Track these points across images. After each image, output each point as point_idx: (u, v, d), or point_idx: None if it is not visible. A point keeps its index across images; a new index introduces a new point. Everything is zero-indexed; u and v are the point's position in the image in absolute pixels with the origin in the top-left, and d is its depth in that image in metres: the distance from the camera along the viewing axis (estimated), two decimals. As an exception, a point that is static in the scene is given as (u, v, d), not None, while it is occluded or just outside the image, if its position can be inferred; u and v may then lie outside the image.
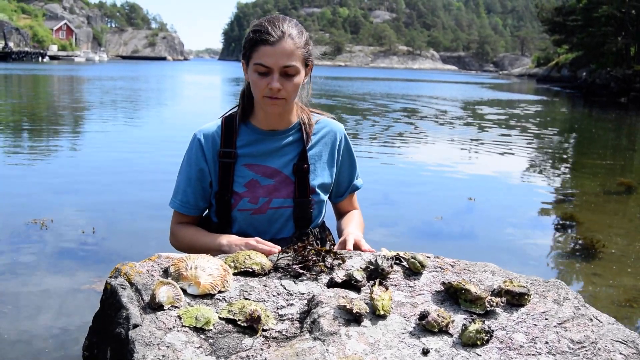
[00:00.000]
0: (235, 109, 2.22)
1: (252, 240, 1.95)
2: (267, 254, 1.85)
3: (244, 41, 2.05)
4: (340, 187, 2.32)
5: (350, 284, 1.66)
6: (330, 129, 2.24)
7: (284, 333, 1.46)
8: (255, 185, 2.13)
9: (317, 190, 2.19)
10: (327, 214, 2.34)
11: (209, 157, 2.14)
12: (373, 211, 5.92)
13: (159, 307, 1.49)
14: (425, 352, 1.39)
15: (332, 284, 1.67)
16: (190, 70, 66.63)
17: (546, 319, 1.55)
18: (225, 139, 2.14)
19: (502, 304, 1.57)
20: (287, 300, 1.60)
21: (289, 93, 2.02)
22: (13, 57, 67.85)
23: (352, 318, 1.49)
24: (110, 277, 1.62)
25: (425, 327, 1.47)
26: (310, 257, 1.76)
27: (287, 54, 1.97)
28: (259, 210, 2.13)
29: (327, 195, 2.28)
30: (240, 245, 1.95)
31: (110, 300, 1.55)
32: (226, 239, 2.02)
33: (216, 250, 1.99)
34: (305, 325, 1.47)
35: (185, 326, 1.44)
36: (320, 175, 2.20)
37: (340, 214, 2.39)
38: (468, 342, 1.42)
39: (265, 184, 2.14)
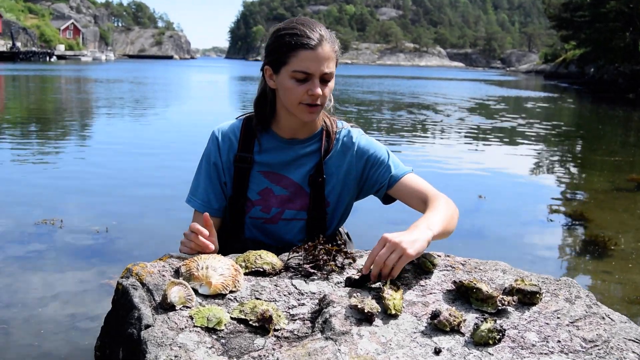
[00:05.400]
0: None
1: (190, 235, 1.81)
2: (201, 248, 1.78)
3: (275, 45, 1.94)
4: (381, 187, 2.11)
5: (368, 278, 1.65)
6: (349, 139, 2.12)
7: (295, 333, 1.46)
8: (269, 194, 2.08)
9: (333, 203, 2.12)
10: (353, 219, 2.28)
11: (224, 158, 2.09)
12: (383, 209, 5.91)
13: (171, 307, 1.49)
14: (437, 352, 1.38)
15: (350, 283, 1.66)
16: (197, 69, 66.68)
17: (558, 317, 1.55)
18: (243, 143, 2.08)
19: (513, 303, 1.56)
20: (298, 299, 1.60)
21: (325, 98, 1.96)
22: (20, 57, 68.05)
23: (363, 317, 1.49)
24: (122, 278, 1.62)
25: (437, 326, 1.46)
26: (320, 257, 1.76)
27: (327, 59, 1.90)
28: (271, 220, 2.09)
29: (345, 208, 2.18)
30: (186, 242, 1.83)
31: (122, 300, 1.56)
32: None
33: None
34: (316, 325, 1.47)
35: (197, 326, 1.44)
36: (338, 188, 2.11)
37: (417, 207, 2.05)
38: (480, 342, 1.41)
39: (279, 193, 2.08)
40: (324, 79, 1.93)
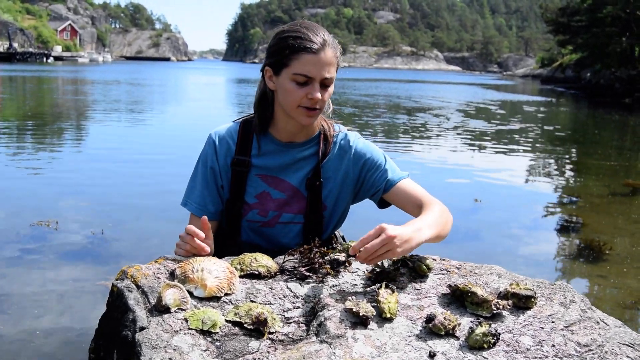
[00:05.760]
0: (252, 115, 2.13)
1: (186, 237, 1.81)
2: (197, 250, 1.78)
3: (277, 47, 1.93)
4: (377, 191, 2.10)
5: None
6: (346, 142, 2.12)
7: (290, 336, 1.46)
8: (267, 198, 2.07)
9: (330, 206, 2.11)
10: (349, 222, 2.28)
11: (221, 161, 2.08)
12: (379, 213, 5.91)
13: (166, 309, 1.49)
14: (432, 355, 1.38)
15: (337, 264, 1.69)
16: (194, 71, 66.63)
17: (553, 322, 1.55)
18: (240, 146, 2.08)
19: (508, 307, 1.57)
20: (293, 302, 1.60)
21: (324, 103, 1.96)
22: (17, 58, 67.99)
23: (358, 321, 1.49)
24: (117, 280, 1.62)
25: (432, 330, 1.47)
26: (316, 260, 1.76)
27: (328, 64, 1.90)
28: (267, 223, 2.08)
29: (342, 212, 2.18)
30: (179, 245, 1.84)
31: (117, 302, 1.55)
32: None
33: None
34: (311, 328, 1.47)
35: (191, 329, 1.44)
36: (335, 191, 2.11)
37: (412, 212, 2.04)
38: (475, 345, 1.41)
39: (277, 197, 2.07)
40: (324, 84, 1.93)
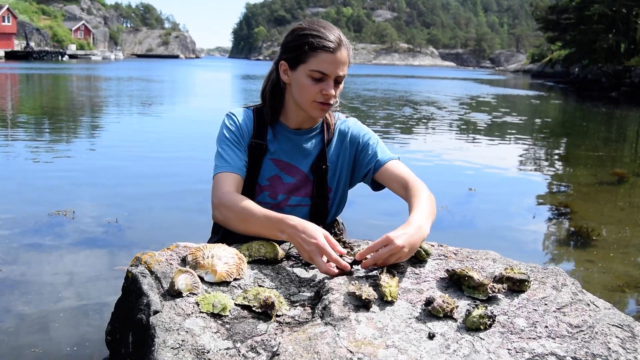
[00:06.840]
0: (260, 104, 2.15)
1: (321, 240, 1.63)
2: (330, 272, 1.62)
3: (295, 44, 1.95)
4: (368, 171, 2.13)
5: (357, 263, 1.66)
6: (345, 127, 2.18)
7: (296, 318, 1.46)
8: (278, 181, 2.10)
9: (335, 189, 2.15)
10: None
11: (245, 135, 2.07)
12: (379, 201, 5.91)
13: (178, 294, 1.49)
14: (431, 336, 1.38)
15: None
16: (202, 68, 66.46)
17: (545, 304, 1.55)
18: (256, 130, 2.09)
19: (503, 290, 1.56)
20: (299, 287, 1.60)
21: (335, 98, 2.00)
22: (34, 56, 67.83)
23: (361, 304, 1.48)
24: (131, 266, 1.62)
25: (431, 312, 1.46)
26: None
27: (343, 62, 1.94)
28: (277, 205, 2.09)
29: (343, 194, 2.20)
30: (305, 242, 1.65)
31: (132, 287, 1.55)
32: (289, 227, 1.71)
33: (274, 230, 1.76)
34: (316, 311, 1.47)
35: (202, 312, 1.44)
36: (338, 175, 2.15)
37: (398, 191, 2.05)
38: (472, 327, 1.41)
39: (287, 181, 2.10)
40: (337, 81, 1.97)
